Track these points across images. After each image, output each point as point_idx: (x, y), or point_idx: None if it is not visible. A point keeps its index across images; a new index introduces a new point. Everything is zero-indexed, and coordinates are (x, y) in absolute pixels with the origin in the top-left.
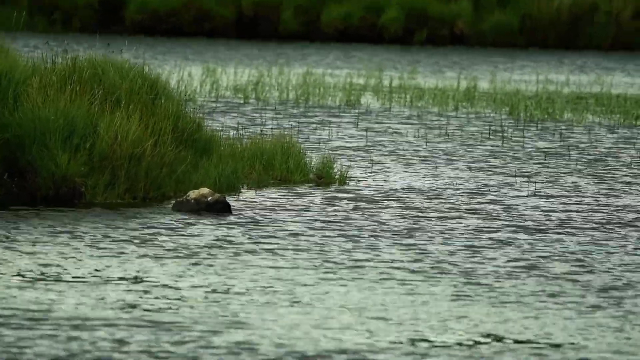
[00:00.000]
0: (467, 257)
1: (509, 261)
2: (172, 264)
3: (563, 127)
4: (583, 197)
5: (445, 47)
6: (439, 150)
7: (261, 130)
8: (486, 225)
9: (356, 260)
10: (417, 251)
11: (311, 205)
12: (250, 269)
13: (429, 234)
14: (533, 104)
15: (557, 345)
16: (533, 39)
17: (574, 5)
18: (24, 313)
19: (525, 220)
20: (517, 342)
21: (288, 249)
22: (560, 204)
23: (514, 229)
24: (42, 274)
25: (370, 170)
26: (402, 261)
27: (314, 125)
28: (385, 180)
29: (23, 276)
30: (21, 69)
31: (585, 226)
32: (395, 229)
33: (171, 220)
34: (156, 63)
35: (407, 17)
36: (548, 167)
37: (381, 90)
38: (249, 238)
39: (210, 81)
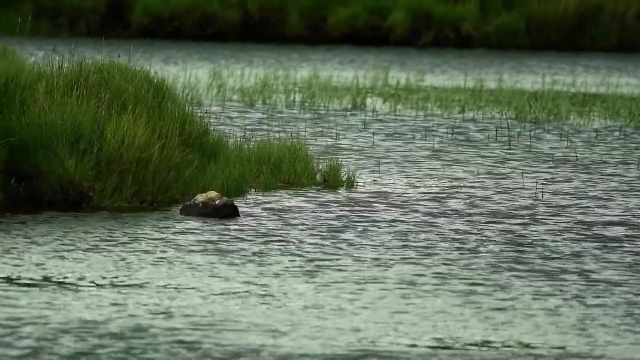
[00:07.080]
0: (475, 260)
1: (518, 263)
2: (180, 268)
3: (569, 129)
4: (590, 198)
5: (451, 49)
6: (446, 152)
7: (268, 134)
8: (493, 227)
9: (364, 263)
10: (425, 254)
11: (319, 208)
12: (258, 271)
13: (436, 237)
14: (539, 105)
15: (559, 348)
16: (539, 40)
17: (579, 6)
18: (31, 318)
19: (532, 222)
20: (527, 346)
21: (296, 252)
22: (567, 205)
23: (521, 231)
24: (49, 278)
25: (377, 173)
26: (411, 263)
27: (321, 128)
28: (392, 183)
29: (31, 280)
30: (27, 73)
31: (593, 227)
32: (403, 231)
33: (179, 223)
34: (162, 66)
35: (413, 19)
36: (554, 168)
37: (387, 93)
38: (257, 241)
39: (216, 84)
